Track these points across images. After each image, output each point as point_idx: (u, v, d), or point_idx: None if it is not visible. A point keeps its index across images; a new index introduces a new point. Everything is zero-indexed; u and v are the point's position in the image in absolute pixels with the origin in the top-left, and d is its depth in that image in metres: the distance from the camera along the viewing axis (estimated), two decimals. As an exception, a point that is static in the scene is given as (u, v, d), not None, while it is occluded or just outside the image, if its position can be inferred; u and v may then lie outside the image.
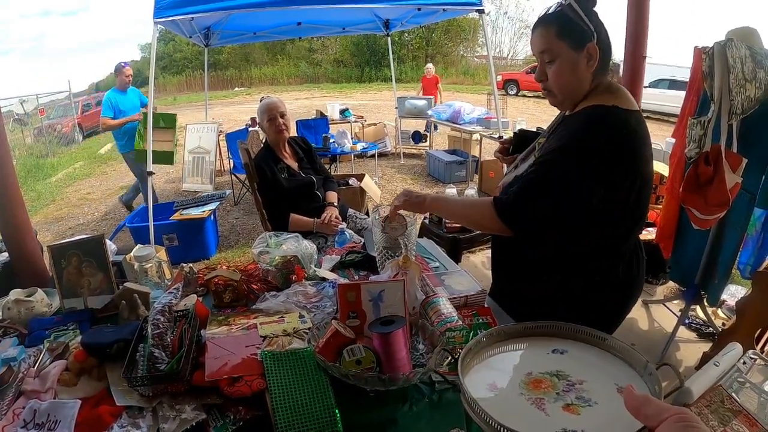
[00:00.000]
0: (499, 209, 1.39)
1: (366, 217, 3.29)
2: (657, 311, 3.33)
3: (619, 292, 1.54)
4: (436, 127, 9.05)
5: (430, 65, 10.38)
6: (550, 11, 1.36)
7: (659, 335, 3.04)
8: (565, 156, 1.33)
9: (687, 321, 3.10)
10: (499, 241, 1.71)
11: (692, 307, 3.11)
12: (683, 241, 3.01)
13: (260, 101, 3.16)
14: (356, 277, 2.00)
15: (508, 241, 1.54)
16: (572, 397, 0.80)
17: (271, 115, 2.95)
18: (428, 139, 8.99)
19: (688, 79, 2.75)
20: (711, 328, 3.03)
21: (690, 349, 2.91)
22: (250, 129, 7.05)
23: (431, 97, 8.93)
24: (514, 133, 1.88)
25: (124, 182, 8.55)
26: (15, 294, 1.88)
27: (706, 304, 3.07)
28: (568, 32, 1.32)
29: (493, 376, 0.87)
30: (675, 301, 3.36)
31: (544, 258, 1.54)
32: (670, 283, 3.57)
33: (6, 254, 2.92)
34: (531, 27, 1.45)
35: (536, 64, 1.47)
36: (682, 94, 2.88)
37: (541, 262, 1.55)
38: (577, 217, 1.38)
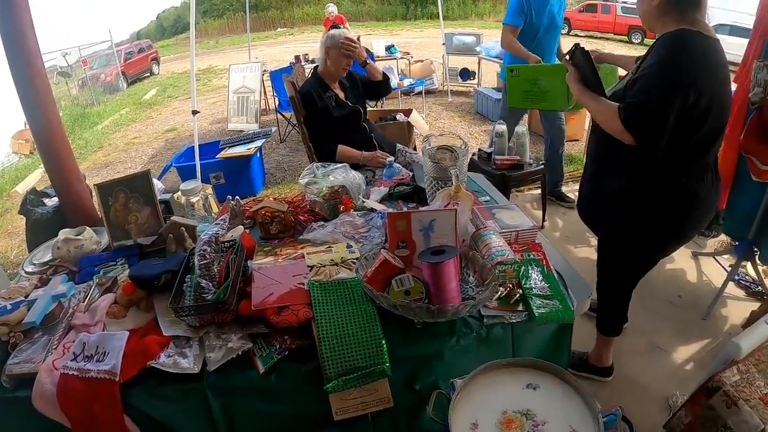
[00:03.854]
0: (624, 116, 1.55)
1: (414, 151, 3.24)
2: (706, 264, 3.22)
3: (684, 200, 1.72)
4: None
5: (331, 5, 9.45)
6: None
7: (707, 289, 2.95)
8: (658, 69, 1.55)
9: (736, 277, 2.99)
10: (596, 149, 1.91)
11: (743, 263, 3.00)
12: (739, 193, 2.86)
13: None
14: (405, 209, 1.97)
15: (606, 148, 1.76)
16: None
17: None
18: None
19: (751, 26, 2.65)
20: (760, 287, 2.93)
21: (737, 306, 2.80)
22: (294, 65, 6.93)
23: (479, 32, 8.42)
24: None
25: (169, 125, 8.64)
26: (64, 233, 1.90)
27: (758, 261, 2.95)
28: None
29: (475, 414, 1.05)
30: (725, 256, 3.24)
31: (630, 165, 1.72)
32: (722, 237, 3.43)
33: (56, 199, 3.00)
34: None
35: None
36: (744, 41, 2.77)
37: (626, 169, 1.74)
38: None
